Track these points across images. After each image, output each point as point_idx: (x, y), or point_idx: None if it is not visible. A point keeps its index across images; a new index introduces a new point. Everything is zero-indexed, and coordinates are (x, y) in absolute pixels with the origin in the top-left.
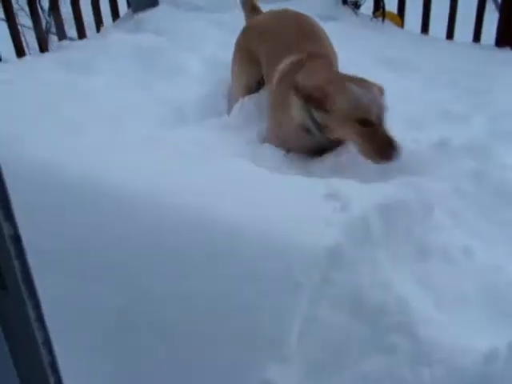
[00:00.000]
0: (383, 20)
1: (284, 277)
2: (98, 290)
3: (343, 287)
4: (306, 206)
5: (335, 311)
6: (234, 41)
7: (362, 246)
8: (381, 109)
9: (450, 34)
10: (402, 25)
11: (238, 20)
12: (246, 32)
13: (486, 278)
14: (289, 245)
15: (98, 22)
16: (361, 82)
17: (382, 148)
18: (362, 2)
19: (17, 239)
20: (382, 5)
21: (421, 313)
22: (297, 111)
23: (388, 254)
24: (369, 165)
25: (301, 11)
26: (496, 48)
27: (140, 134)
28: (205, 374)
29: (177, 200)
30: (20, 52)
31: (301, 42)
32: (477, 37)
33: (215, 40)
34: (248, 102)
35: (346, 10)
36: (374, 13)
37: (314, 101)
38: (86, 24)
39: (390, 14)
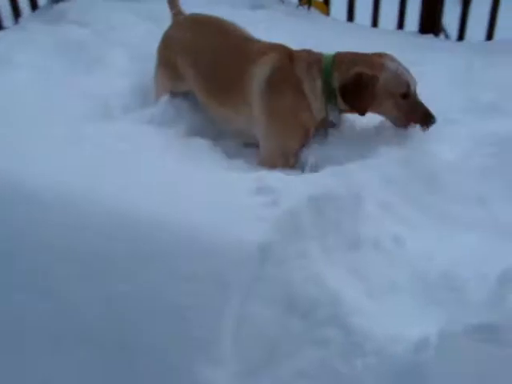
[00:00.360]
0: (309, 7)
1: (213, 276)
2: (22, 297)
3: (275, 283)
4: (235, 201)
5: (268, 308)
6: (160, 31)
7: (293, 239)
8: (415, 80)
9: (374, 22)
10: (327, 12)
11: (163, 9)
12: (166, 43)
13: (416, 266)
14: (218, 243)
15: (16, 13)
16: (386, 57)
17: (422, 117)
18: None
19: None
20: None
21: (353, 304)
22: (318, 93)
23: (319, 246)
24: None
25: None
26: (420, 35)
27: (63, 130)
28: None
29: (100, 199)
30: None
31: (243, 44)
32: (400, 24)
33: (140, 31)
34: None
35: None
36: (300, 0)
37: (365, 90)
38: (2, 14)
39: (317, 2)
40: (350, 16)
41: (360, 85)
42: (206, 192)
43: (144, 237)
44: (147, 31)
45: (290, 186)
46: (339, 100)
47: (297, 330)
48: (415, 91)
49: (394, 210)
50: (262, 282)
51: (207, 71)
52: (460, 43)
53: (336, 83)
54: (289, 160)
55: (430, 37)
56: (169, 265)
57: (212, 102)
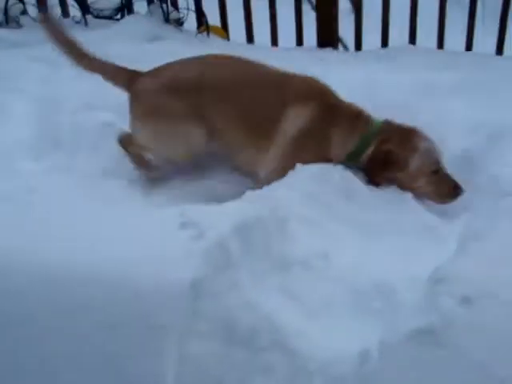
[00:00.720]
0: (208, 34)
1: (148, 319)
2: None
3: (212, 317)
4: (161, 239)
5: (209, 342)
6: (58, 75)
7: (224, 270)
8: (442, 154)
9: (274, 41)
10: (227, 37)
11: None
12: (164, 92)
13: (347, 279)
14: (148, 284)
15: None
16: (417, 133)
17: (451, 190)
18: (183, 19)
19: None
20: (204, 20)
21: (291, 327)
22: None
23: (251, 273)
24: (215, 186)
25: (127, 33)
26: (319, 49)
27: None
28: None
29: (17, 256)
30: None
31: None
32: (299, 40)
33: (39, 76)
34: None
35: (170, 29)
36: (198, 28)
37: (391, 167)
38: None
39: (214, 27)
40: (250, 38)
41: (385, 163)
42: (129, 234)
43: (69, 290)
44: (47, 77)
45: (214, 216)
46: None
47: (240, 360)
48: (443, 165)
49: (318, 227)
50: (198, 317)
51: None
52: (358, 53)
53: (367, 152)
54: None
55: (329, 50)
56: (102, 315)
57: (233, 134)
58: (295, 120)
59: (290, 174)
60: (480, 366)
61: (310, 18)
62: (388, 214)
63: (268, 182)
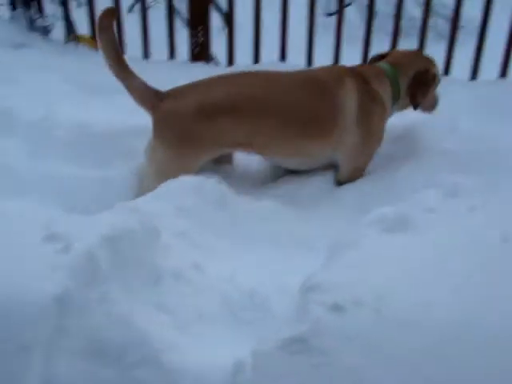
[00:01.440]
0: (77, 44)
1: (9, 338)
2: None
3: (80, 334)
4: (24, 254)
5: (76, 361)
6: None
7: (93, 284)
8: None
9: (146, 54)
10: (97, 47)
11: None
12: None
13: (220, 291)
14: (9, 300)
15: None
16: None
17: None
18: (51, 27)
19: None
20: (73, 29)
21: (164, 341)
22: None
23: (121, 286)
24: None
25: None
26: (192, 63)
27: None
28: None
29: None
30: None
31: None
32: (171, 54)
33: None
34: None
35: (35, 36)
36: (67, 37)
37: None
38: None
39: (84, 37)
40: (121, 50)
41: (426, 81)
42: None
43: None
44: None
45: (82, 227)
46: (401, 100)
47: (109, 377)
48: None
49: (190, 239)
50: (65, 335)
51: (277, 115)
52: (229, 68)
53: (403, 84)
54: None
55: (201, 64)
56: None
57: (291, 142)
58: (350, 99)
59: (162, 185)
60: (350, 370)
61: (182, 35)
62: (261, 224)
63: (359, 165)
